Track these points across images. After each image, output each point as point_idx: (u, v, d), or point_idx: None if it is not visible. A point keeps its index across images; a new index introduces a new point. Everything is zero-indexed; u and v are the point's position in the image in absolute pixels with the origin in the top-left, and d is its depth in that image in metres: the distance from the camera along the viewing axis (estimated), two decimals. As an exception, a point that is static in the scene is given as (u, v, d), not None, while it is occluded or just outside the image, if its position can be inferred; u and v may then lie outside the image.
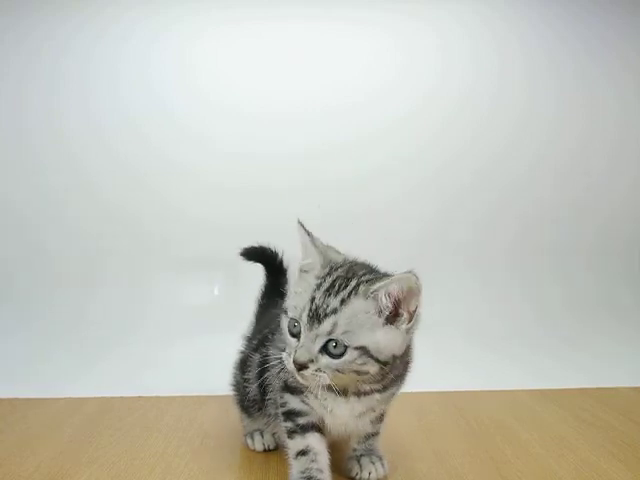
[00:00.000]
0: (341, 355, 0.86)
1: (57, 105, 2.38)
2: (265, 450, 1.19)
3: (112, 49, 2.39)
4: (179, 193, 2.41)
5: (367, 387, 0.94)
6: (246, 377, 1.17)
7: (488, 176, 2.54)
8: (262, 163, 2.41)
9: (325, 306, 0.87)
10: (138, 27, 2.39)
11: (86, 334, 2.11)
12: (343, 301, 0.87)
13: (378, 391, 0.95)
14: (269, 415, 1.12)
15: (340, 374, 0.87)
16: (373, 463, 1.05)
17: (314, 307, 0.87)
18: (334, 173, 2.42)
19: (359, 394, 0.94)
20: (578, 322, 2.33)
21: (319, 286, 0.89)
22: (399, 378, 0.98)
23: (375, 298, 0.87)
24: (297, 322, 0.89)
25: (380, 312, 0.87)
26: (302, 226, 0.95)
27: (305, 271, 0.95)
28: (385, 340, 0.87)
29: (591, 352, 2.06)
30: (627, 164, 2.63)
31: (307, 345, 0.87)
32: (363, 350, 0.86)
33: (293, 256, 1.10)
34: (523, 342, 2.16)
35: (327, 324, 0.86)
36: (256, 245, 1.29)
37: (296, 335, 0.90)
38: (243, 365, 1.19)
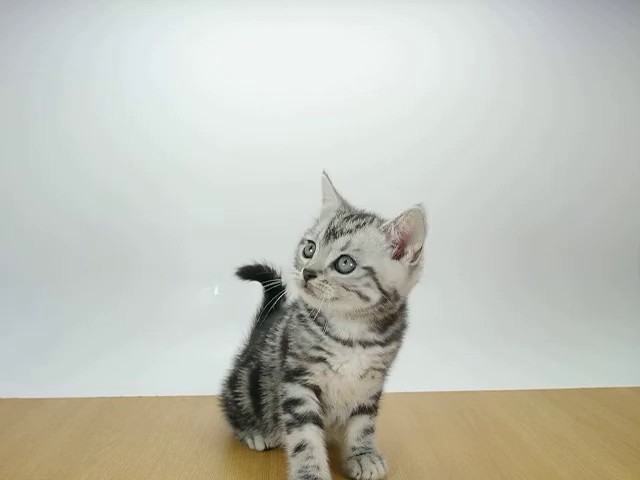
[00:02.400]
0: (349, 272, 0.92)
1: (59, 103, 2.38)
2: (266, 449, 1.19)
3: (113, 47, 2.39)
4: (180, 191, 2.41)
5: (371, 335, 0.99)
6: (237, 392, 1.20)
7: (487, 176, 2.53)
8: (263, 160, 2.41)
9: (342, 227, 0.96)
10: (139, 25, 2.39)
11: (86, 334, 2.11)
12: (358, 226, 0.96)
13: (380, 344, 1.00)
14: (266, 422, 1.15)
15: (344, 292, 0.93)
16: (374, 463, 1.06)
17: (332, 227, 0.97)
18: (333, 171, 2.41)
19: (363, 343, 0.99)
20: (578, 322, 2.33)
21: (338, 215, 1.00)
22: (398, 335, 1.03)
23: (386, 231, 0.96)
24: (313, 244, 0.98)
25: (390, 246, 0.95)
26: (326, 175, 1.06)
27: (325, 211, 1.05)
28: (390, 269, 0.94)
29: (591, 352, 2.06)
30: (627, 162, 2.63)
31: (320, 257, 0.95)
32: (369, 271, 0.93)
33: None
34: (523, 342, 2.16)
35: (342, 240, 0.94)
36: (251, 263, 1.32)
37: (309, 257, 0.97)
38: (233, 381, 1.22)
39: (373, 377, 1.04)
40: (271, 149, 2.41)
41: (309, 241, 0.99)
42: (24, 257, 2.35)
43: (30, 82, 2.37)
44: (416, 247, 0.96)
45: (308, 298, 0.96)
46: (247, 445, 1.21)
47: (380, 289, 0.93)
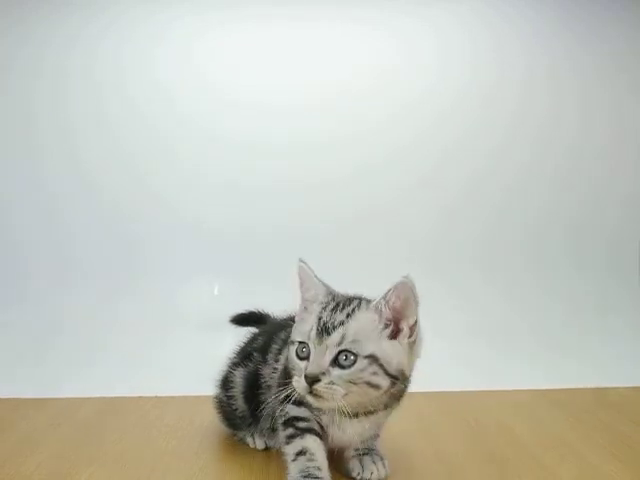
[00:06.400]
0: (352, 365, 0.89)
1: (63, 101, 2.38)
2: (267, 448, 1.19)
3: (117, 44, 2.39)
4: (183, 189, 2.41)
5: (373, 407, 0.97)
6: (230, 394, 1.19)
7: (486, 175, 2.53)
8: (263, 156, 2.41)
9: (332, 320, 0.92)
10: (143, 22, 2.40)
11: (86, 334, 2.11)
12: (349, 315, 0.92)
13: (383, 409, 0.99)
14: (262, 429, 1.15)
15: (353, 386, 0.89)
16: (375, 463, 1.05)
17: (322, 323, 0.92)
18: (333, 168, 2.42)
19: (367, 413, 0.97)
20: (578, 322, 2.33)
21: (325, 307, 0.95)
22: (400, 395, 1.01)
23: (377, 310, 0.92)
24: (305, 345, 0.93)
25: (384, 324, 0.92)
26: (304, 263, 1.00)
27: (308, 302, 0.99)
28: (392, 351, 0.92)
29: (591, 352, 2.06)
30: (624, 161, 2.63)
31: (318, 359, 0.90)
32: (373, 358, 0.90)
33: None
34: (523, 342, 2.16)
35: (336, 335, 0.90)
36: (244, 311, 1.34)
37: (305, 358, 0.93)
38: (225, 383, 1.21)
39: (378, 427, 1.05)
40: (270, 145, 2.41)
41: (300, 342, 0.94)
42: (24, 257, 2.35)
43: (35, 79, 2.37)
44: (410, 321, 0.93)
45: (318, 403, 0.92)
46: (247, 444, 1.21)
47: (387, 374, 0.91)
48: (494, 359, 1.96)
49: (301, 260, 1.00)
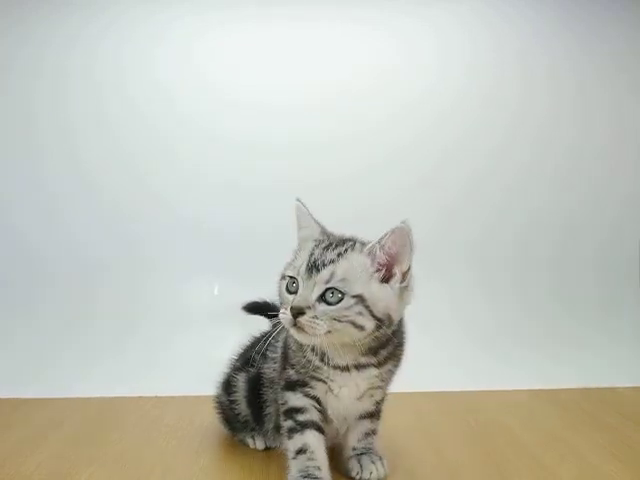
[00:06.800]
0: (337, 302, 0.89)
1: (63, 101, 2.38)
2: (267, 448, 1.19)
3: (117, 44, 2.39)
4: (183, 189, 2.41)
5: (364, 359, 0.97)
6: (232, 399, 1.19)
7: (486, 176, 2.53)
8: (263, 156, 2.41)
9: (323, 258, 0.92)
10: (143, 22, 2.40)
11: (86, 334, 2.11)
12: (340, 254, 0.93)
13: (374, 365, 0.98)
14: (267, 431, 1.15)
15: (337, 324, 0.90)
16: (374, 463, 1.06)
17: (312, 260, 0.93)
18: (333, 168, 2.42)
19: (358, 367, 0.98)
20: (578, 322, 2.33)
21: (317, 245, 0.96)
22: (393, 355, 1.01)
23: (371, 254, 0.93)
24: (295, 280, 0.94)
25: (376, 268, 0.92)
26: (300, 201, 1.01)
27: (302, 240, 1.01)
28: (380, 294, 0.91)
29: (590, 352, 2.06)
30: (624, 161, 2.63)
31: (305, 293, 0.91)
32: (359, 298, 0.90)
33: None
34: (523, 342, 2.16)
35: (325, 272, 0.90)
36: (258, 300, 1.31)
37: (294, 292, 0.93)
38: (227, 386, 1.21)
39: (372, 396, 1.04)
40: (270, 145, 2.41)
41: (290, 277, 0.94)
42: (24, 257, 2.35)
43: (35, 78, 2.37)
44: (404, 267, 0.92)
45: (300, 337, 0.92)
46: (247, 444, 1.21)
47: (373, 316, 0.90)
48: (494, 359, 1.96)
49: (297, 199, 1.01)
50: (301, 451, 0.99)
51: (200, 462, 1.15)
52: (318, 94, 2.45)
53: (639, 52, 2.60)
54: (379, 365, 0.99)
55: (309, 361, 0.99)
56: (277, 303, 1.26)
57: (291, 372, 1.02)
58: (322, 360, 0.98)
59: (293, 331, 0.92)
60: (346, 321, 0.90)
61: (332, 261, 0.92)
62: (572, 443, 1.25)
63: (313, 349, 0.96)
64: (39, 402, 1.49)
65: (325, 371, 0.99)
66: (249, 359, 1.18)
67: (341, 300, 0.89)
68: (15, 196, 2.37)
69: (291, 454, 1.00)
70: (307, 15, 2.45)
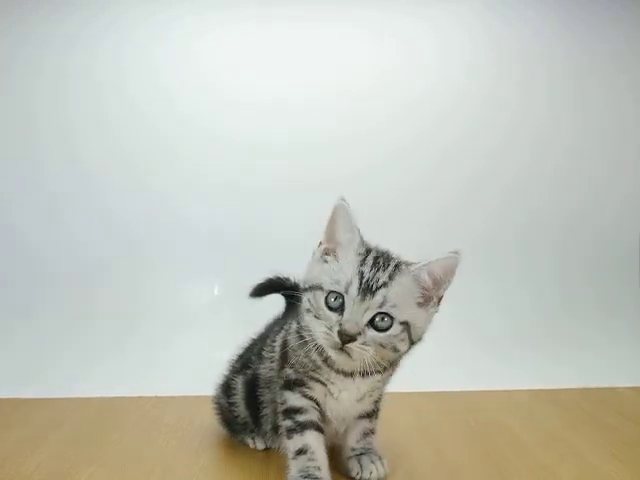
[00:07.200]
0: (387, 329, 0.88)
1: (63, 101, 2.38)
2: (266, 448, 1.19)
3: (117, 44, 2.39)
4: (183, 189, 2.41)
5: (371, 368, 0.95)
6: (232, 401, 1.19)
7: (486, 176, 2.53)
8: (263, 156, 2.41)
9: (376, 280, 0.88)
10: (143, 22, 2.40)
11: (86, 334, 2.11)
12: (391, 276, 0.89)
13: (379, 372, 0.96)
14: (265, 432, 1.14)
15: (382, 350, 0.89)
16: (373, 462, 1.05)
17: (365, 281, 0.88)
18: (332, 168, 2.42)
19: (363, 374, 0.96)
20: (578, 322, 2.33)
21: (363, 262, 0.90)
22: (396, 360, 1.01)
23: (417, 277, 0.90)
24: (339, 296, 0.89)
25: (420, 292, 0.90)
26: (345, 202, 0.94)
27: (337, 244, 0.94)
28: (420, 319, 0.91)
29: (590, 352, 2.06)
30: (624, 161, 2.63)
31: (356, 318, 0.87)
32: (405, 325, 0.89)
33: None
34: (523, 342, 2.16)
35: (379, 297, 0.87)
36: (263, 281, 1.25)
37: (335, 309, 0.89)
38: (227, 389, 1.21)
39: (371, 396, 1.04)
40: (270, 145, 2.41)
41: (332, 292, 0.89)
42: (24, 257, 2.35)
43: (35, 78, 2.37)
44: (441, 293, 0.92)
45: (342, 360, 0.90)
46: (247, 444, 1.21)
47: (410, 339, 0.91)
48: (494, 359, 1.96)
49: (342, 199, 0.94)
50: (301, 451, 0.99)
51: (200, 462, 1.15)
52: (318, 94, 2.45)
53: (639, 52, 2.60)
54: (384, 370, 0.98)
55: (311, 361, 0.98)
56: (283, 277, 1.22)
57: (290, 371, 1.02)
58: (325, 362, 0.97)
59: (334, 354, 0.90)
60: (390, 346, 0.89)
61: (385, 284, 0.88)
62: (572, 443, 1.25)
63: (318, 350, 0.94)
64: (39, 402, 1.49)
65: (326, 372, 0.98)
66: (247, 361, 1.18)
67: (390, 326, 0.88)
68: (15, 196, 2.37)
69: (291, 454, 1.00)
70: (307, 15, 2.45)
